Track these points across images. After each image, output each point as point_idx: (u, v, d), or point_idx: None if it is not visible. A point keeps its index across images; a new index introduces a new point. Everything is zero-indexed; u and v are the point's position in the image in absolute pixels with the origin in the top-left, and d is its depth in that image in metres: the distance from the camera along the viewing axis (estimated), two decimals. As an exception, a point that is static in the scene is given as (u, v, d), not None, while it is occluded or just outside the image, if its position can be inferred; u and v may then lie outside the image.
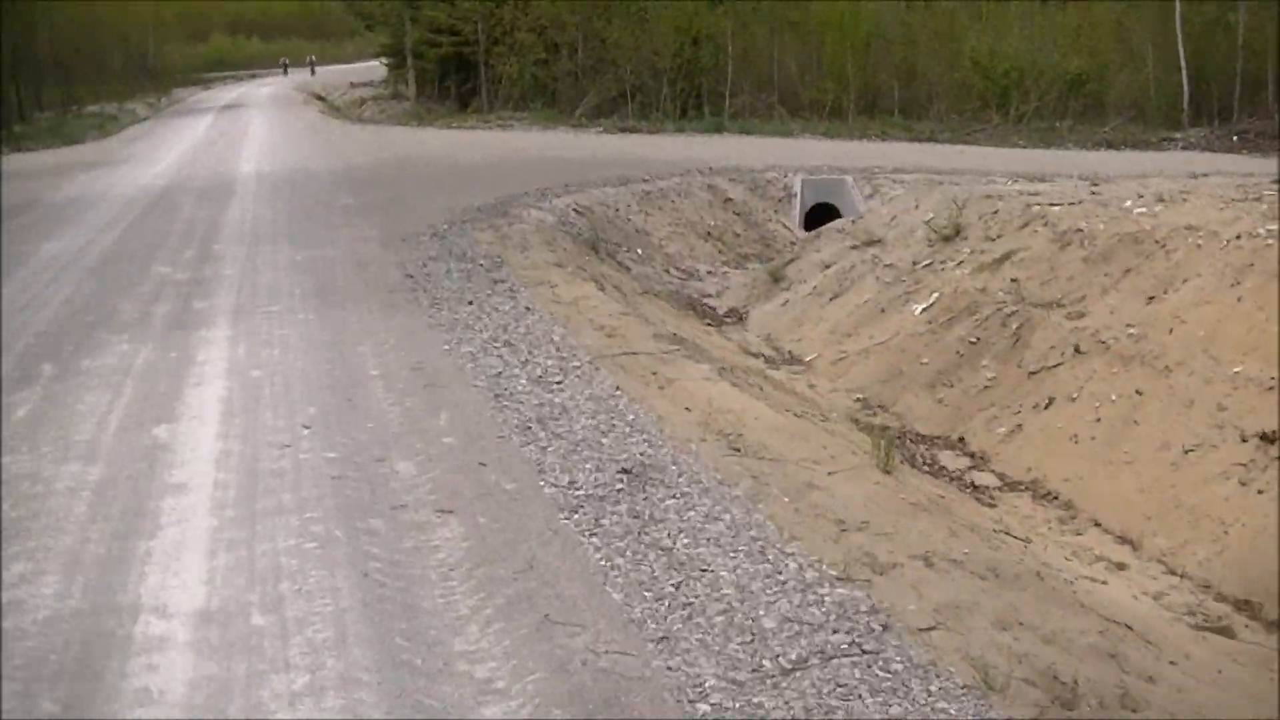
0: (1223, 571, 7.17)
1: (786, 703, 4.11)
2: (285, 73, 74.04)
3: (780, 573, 5.14)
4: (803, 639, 4.53)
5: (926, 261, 12.63)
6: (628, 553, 5.28)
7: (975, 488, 8.57)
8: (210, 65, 77.44)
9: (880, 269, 13.14)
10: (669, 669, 4.32)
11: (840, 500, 6.04)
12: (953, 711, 4.11)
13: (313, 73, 70.64)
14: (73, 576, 5.10)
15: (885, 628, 4.65)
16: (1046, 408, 9.33)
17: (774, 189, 20.92)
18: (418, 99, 42.23)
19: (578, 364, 8.33)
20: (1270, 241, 9.46)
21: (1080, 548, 7.63)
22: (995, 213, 12.80)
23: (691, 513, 5.74)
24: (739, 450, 6.72)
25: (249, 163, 23.66)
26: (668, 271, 16.44)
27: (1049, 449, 8.91)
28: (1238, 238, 9.76)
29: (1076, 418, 9.00)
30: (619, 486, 6.04)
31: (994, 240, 12.22)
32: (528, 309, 10.00)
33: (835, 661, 4.39)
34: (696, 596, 4.89)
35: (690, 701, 4.12)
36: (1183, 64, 29.82)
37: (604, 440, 6.75)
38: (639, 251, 16.61)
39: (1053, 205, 12.39)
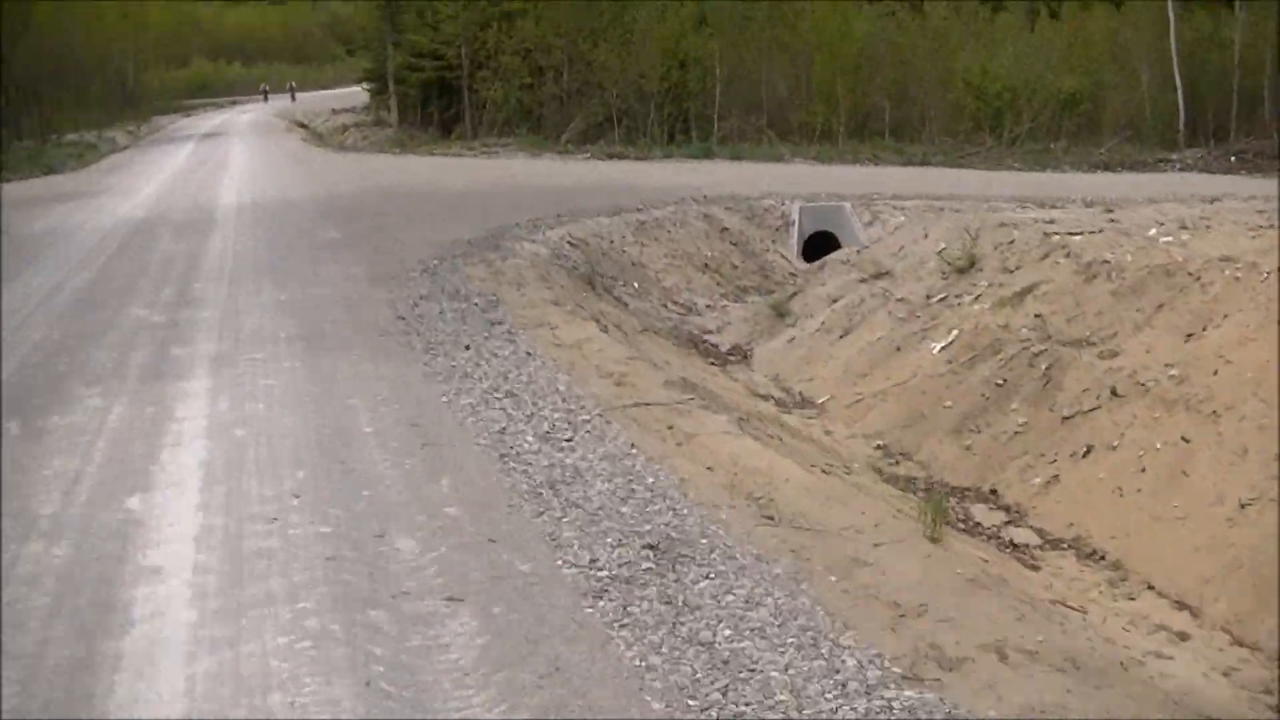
0: (1295, 641, 6.59)
1: None
2: (265, 99, 73.21)
3: (838, 671, 4.55)
4: (877, 762, 3.94)
5: (941, 295, 12.06)
6: (663, 648, 4.68)
7: (1015, 546, 7.97)
8: (191, 91, 76.61)
9: (892, 303, 12.56)
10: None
11: (892, 578, 5.45)
12: None
13: (293, 98, 69.90)
14: (30, 689, 4.46)
15: (968, 744, 4.06)
16: (1085, 456, 8.74)
17: (771, 217, 20.36)
18: (400, 125, 41.58)
19: (587, 417, 7.73)
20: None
21: (1136, 615, 7.03)
22: (1011, 242, 12.25)
23: (730, 596, 5.14)
24: (773, 518, 6.13)
25: (230, 194, 22.96)
26: (665, 306, 15.86)
27: (1091, 502, 8.32)
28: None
29: (1119, 468, 8.41)
30: (646, 565, 5.43)
31: (1012, 272, 11.67)
32: (529, 354, 9.39)
33: (918, 792, 3.79)
34: (748, 704, 4.30)
35: None
36: (1178, 82, 29.45)
37: (624, 509, 6.15)
38: (635, 285, 16.04)
39: (1072, 234, 11.85)
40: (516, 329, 10.28)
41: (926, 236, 14.20)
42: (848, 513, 6.45)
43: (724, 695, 4.35)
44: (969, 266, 12.25)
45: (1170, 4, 29.58)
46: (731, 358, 13.51)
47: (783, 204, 20.71)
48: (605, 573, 5.35)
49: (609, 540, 5.71)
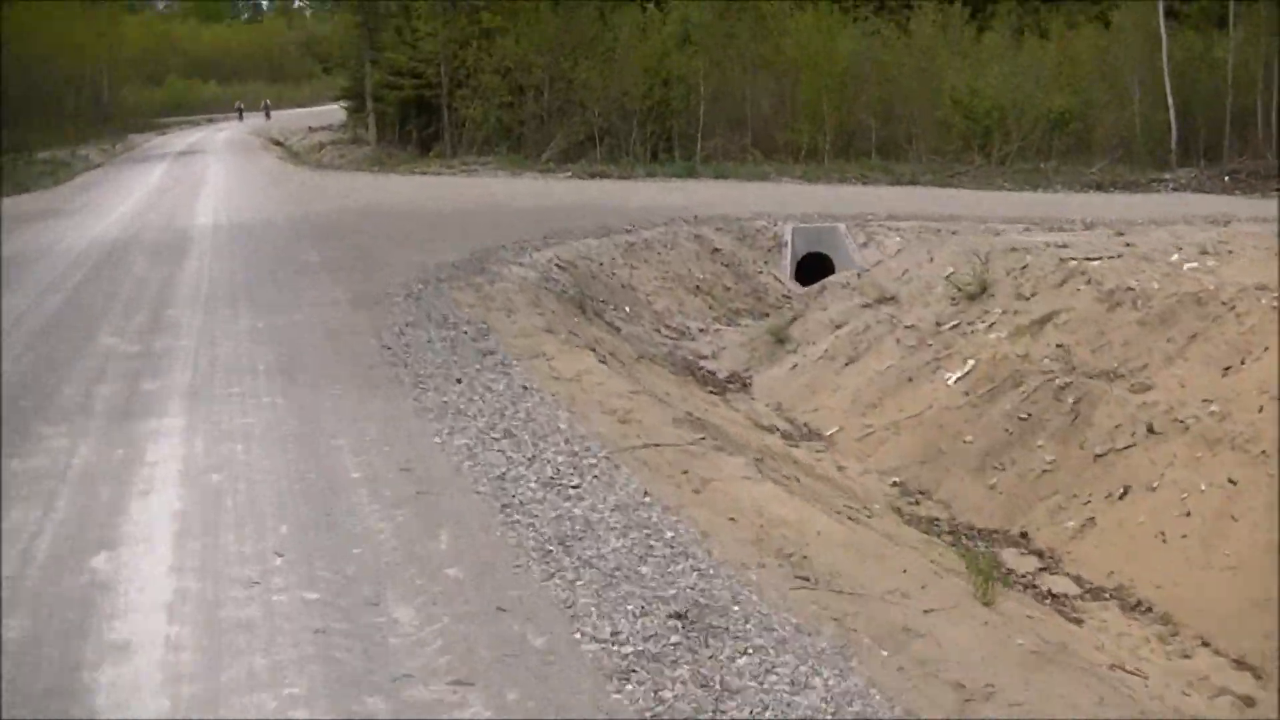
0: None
1: None
2: (241, 117, 72.41)
3: (906, 772, 3.98)
4: None
5: (953, 322, 11.53)
6: (706, 745, 4.09)
7: (1054, 597, 7.42)
8: (167, 109, 75.73)
9: (900, 330, 12.02)
10: None
11: (950, 652, 4.87)
12: None
13: (268, 116, 69.10)
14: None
15: None
16: (1122, 498, 8.19)
17: (762, 238, 19.85)
18: (378, 143, 40.95)
19: (593, 460, 7.14)
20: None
21: (1194, 676, 6.48)
22: (1024, 267, 11.75)
23: (773, 677, 4.55)
24: (808, 580, 5.54)
25: (206, 213, 22.26)
26: (658, 330, 15.30)
27: (1132, 548, 7.77)
28: (1320, 299, 8.74)
29: (1160, 511, 7.87)
30: (674, 639, 4.83)
31: (1028, 299, 11.15)
32: (525, 388, 8.80)
33: None
34: (807, 818, 3.71)
35: None
36: (1169, 101, 29.12)
37: (643, 569, 5.55)
38: (627, 309, 15.47)
39: (1090, 259, 11.35)
40: (510, 359, 9.69)
41: (931, 260, 13.69)
42: (886, 570, 5.88)
43: (780, 804, 3.77)
44: (980, 292, 11.74)
45: (1162, 23, 29.25)
46: (730, 385, 12.95)
47: (774, 224, 20.21)
48: (630, 648, 4.75)
49: (630, 608, 5.11)
